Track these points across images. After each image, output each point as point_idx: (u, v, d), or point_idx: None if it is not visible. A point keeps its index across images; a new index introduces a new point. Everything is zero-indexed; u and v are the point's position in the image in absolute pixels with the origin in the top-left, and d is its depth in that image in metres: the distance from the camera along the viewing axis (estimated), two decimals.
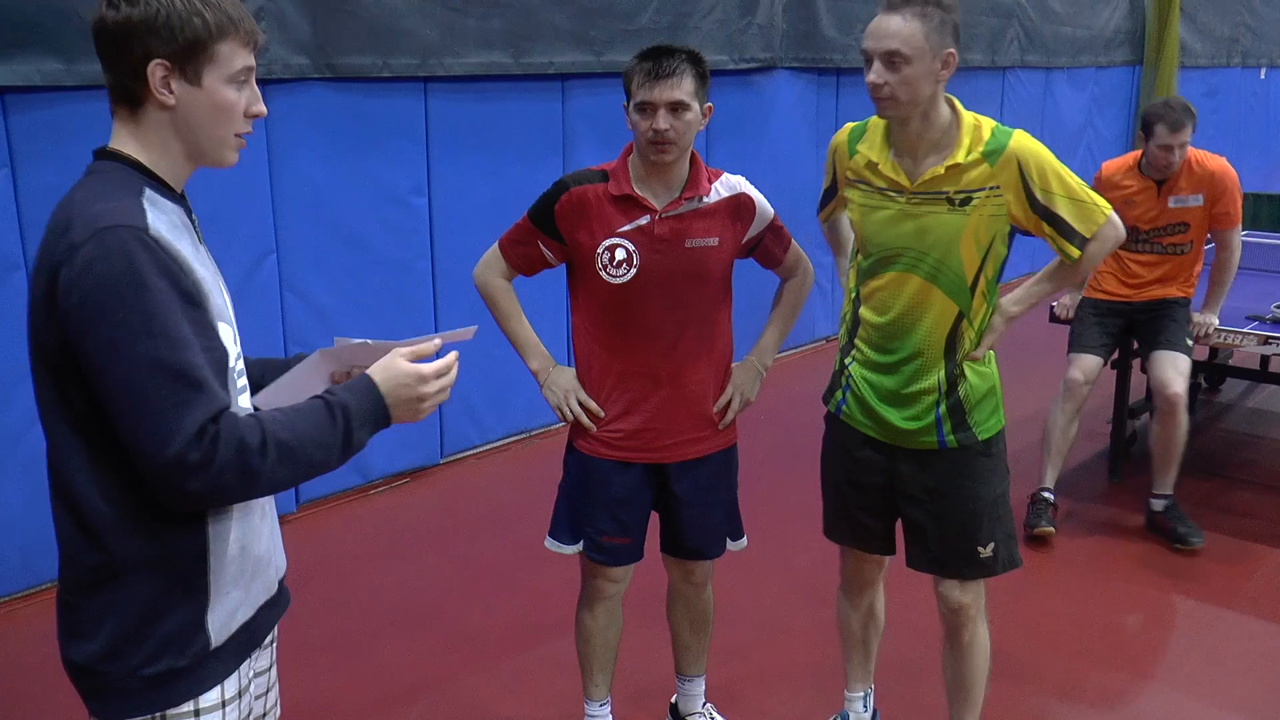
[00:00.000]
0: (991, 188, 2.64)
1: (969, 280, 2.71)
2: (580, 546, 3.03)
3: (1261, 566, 4.51)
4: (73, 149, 4.10)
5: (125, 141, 1.74)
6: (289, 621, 2.11)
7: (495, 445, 5.81)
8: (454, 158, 5.39)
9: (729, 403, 3.00)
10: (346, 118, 4.95)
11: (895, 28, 2.55)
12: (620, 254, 2.80)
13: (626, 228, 2.80)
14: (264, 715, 2.05)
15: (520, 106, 5.65)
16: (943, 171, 2.65)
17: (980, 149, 2.64)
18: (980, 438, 2.83)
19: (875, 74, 2.58)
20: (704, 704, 3.38)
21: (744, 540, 3.18)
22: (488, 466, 5.64)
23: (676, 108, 2.70)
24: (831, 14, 7.21)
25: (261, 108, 1.80)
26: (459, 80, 5.33)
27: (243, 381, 1.86)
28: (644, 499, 3.00)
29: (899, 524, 2.99)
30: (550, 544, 3.09)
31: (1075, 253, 2.72)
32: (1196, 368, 6.21)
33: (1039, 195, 2.65)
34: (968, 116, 2.70)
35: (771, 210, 2.98)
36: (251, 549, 1.84)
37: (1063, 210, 2.67)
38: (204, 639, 1.76)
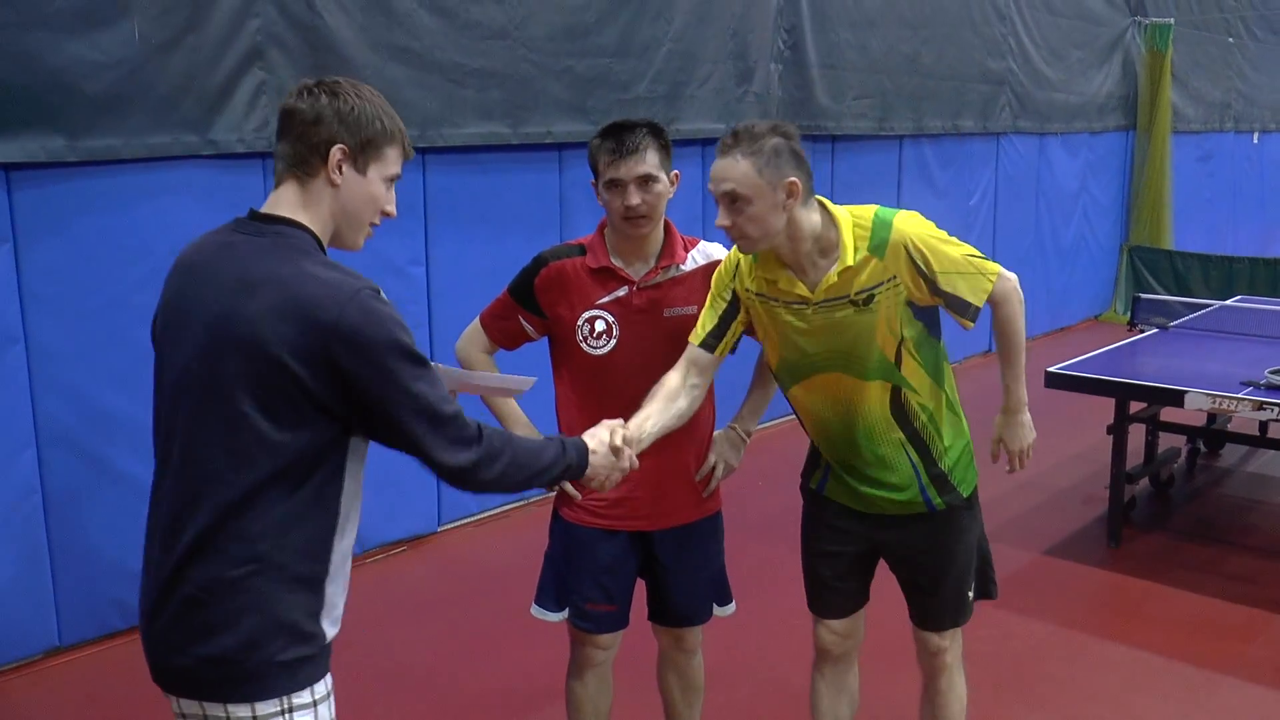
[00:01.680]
0: (889, 280, 2.65)
1: (891, 360, 2.72)
2: (565, 614, 3.04)
3: (1264, 633, 4.48)
4: (75, 225, 4.17)
5: (295, 210, 2.03)
6: None
7: (493, 513, 5.79)
8: (452, 228, 5.44)
9: (712, 470, 3.02)
10: None
11: (728, 170, 2.56)
12: (600, 325, 2.85)
13: (605, 299, 2.85)
14: None
15: (518, 177, 5.71)
16: (836, 279, 2.64)
17: (865, 246, 2.64)
18: (964, 495, 2.88)
19: (721, 218, 2.61)
20: None
21: (732, 605, 3.18)
22: (485, 534, 5.62)
23: (645, 181, 2.76)
24: (824, 81, 7.31)
25: (393, 210, 2.13)
26: (457, 151, 5.39)
27: None
28: (629, 567, 3.01)
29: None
30: (536, 611, 3.10)
31: (968, 324, 2.74)
32: (1193, 433, 6.24)
33: (933, 278, 2.66)
34: (843, 216, 2.68)
35: None
36: (348, 568, 2.12)
37: (953, 286, 2.68)
38: (321, 634, 2.05)
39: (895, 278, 2.65)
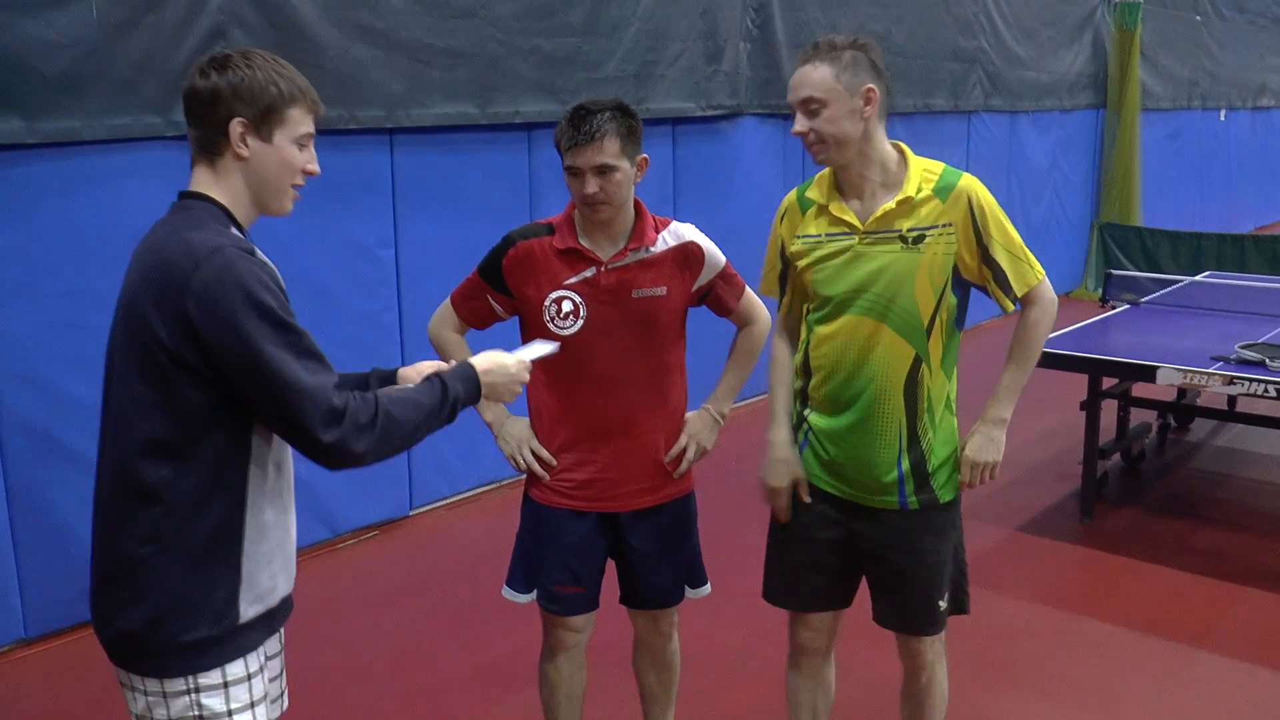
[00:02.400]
0: (944, 225, 2.65)
1: (924, 322, 2.69)
2: (534, 596, 3.03)
3: (1236, 606, 4.51)
4: (34, 208, 4.08)
5: (207, 186, 2.06)
6: None
7: (465, 496, 5.76)
8: (421, 209, 5.39)
9: (683, 451, 3.00)
10: None
11: (807, 76, 2.62)
12: (567, 306, 2.83)
13: (573, 280, 2.83)
14: (279, 696, 2.28)
15: (487, 157, 5.65)
16: (894, 206, 2.64)
17: (931, 186, 2.66)
18: (941, 500, 2.81)
19: (798, 123, 2.65)
20: None
21: (706, 588, 3.15)
22: (457, 517, 5.59)
23: (603, 170, 2.72)
24: (793, 60, 7.20)
25: (316, 167, 2.13)
26: (425, 131, 5.33)
27: None
28: (598, 549, 2.99)
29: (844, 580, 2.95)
30: (506, 593, 3.08)
31: (1009, 305, 2.74)
32: (1164, 408, 6.28)
33: (984, 237, 2.67)
34: (915, 160, 2.72)
35: (723, 258, 2.98)
36: (284, 543, 2.13)
37: (1001, 259, 2.69)
38: (235, 614, 2.03)
39: (950, 225, 2.65)
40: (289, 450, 2.12)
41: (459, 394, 2.19)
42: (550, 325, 2.84)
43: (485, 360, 2.28)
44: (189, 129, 2.06)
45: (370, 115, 5.05)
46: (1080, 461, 5.48)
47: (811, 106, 2.61)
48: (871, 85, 2.60)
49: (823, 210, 2.75)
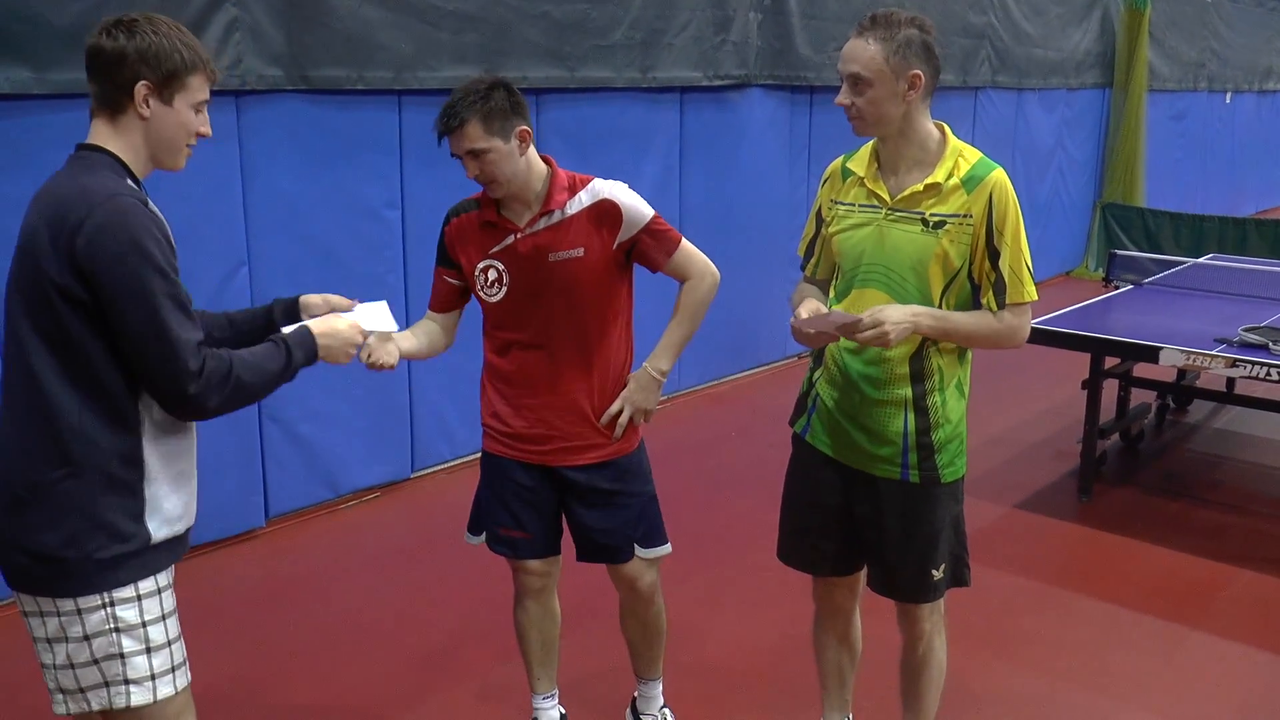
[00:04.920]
0: (964, 215, 2.66)
1: (935, 303, 2.71)
2: (483, 538, 3.20)
3: (1229, 586, 4.54)
4: (41, 158, 4.03)
5: (106, 140, 2.20)
6: (258, 632, 2.16)
7: (466, 459, 5.77)
8: (427, 171, 5.36)
9: (618, 414, 3.02)
10: (320, 130, 4.92)
11: (858, 52, 2.63)
12: (492, 274, 2.96)
13: (495, 249, 2.94)
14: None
15: None
16: (920, 189, 2.68)
17: (960, 176, 2.67)
18: (944, 480, 2.82)
19: (842, 95, 2.69)
20: (661, 706, 3.45)
21: (664, 548, 3.18)
22: (459, 480, 5.60)
23: (475, 154, 2.80)
24: (806, 32, 7.25)
25: (208, 130, 2.30)
26: (433, 93, 5.30)
27: None
28: (541, 499, 3.10)
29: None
30: (467, 537, 3.27)
31: (994, 306, 2.71)
32: (1164, 389, 6.29)
33: (995, 238, 2.67)
34: (954, 143, 2.73)
35: (649, 213, 2.96)
36: (188, 476, 2.31)
37: (1002, 264, 2.69)
38: (145, 534, 2.20)
39: (970, 216, 2.66)
40: None
41: (298, 359, 2.37)
42: (481, 293, 2.99)
43: (321, 324, 2.47)
44: (90, 84, 2.19)
45: (378, 76, 5.02)
46: (1079, 440, 5.49)
47: (857, 83, 2.63)
48: (918, 71, 2.61)
49: (860, 181, 2.79)
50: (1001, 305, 2.71)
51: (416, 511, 5.28)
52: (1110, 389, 5.79)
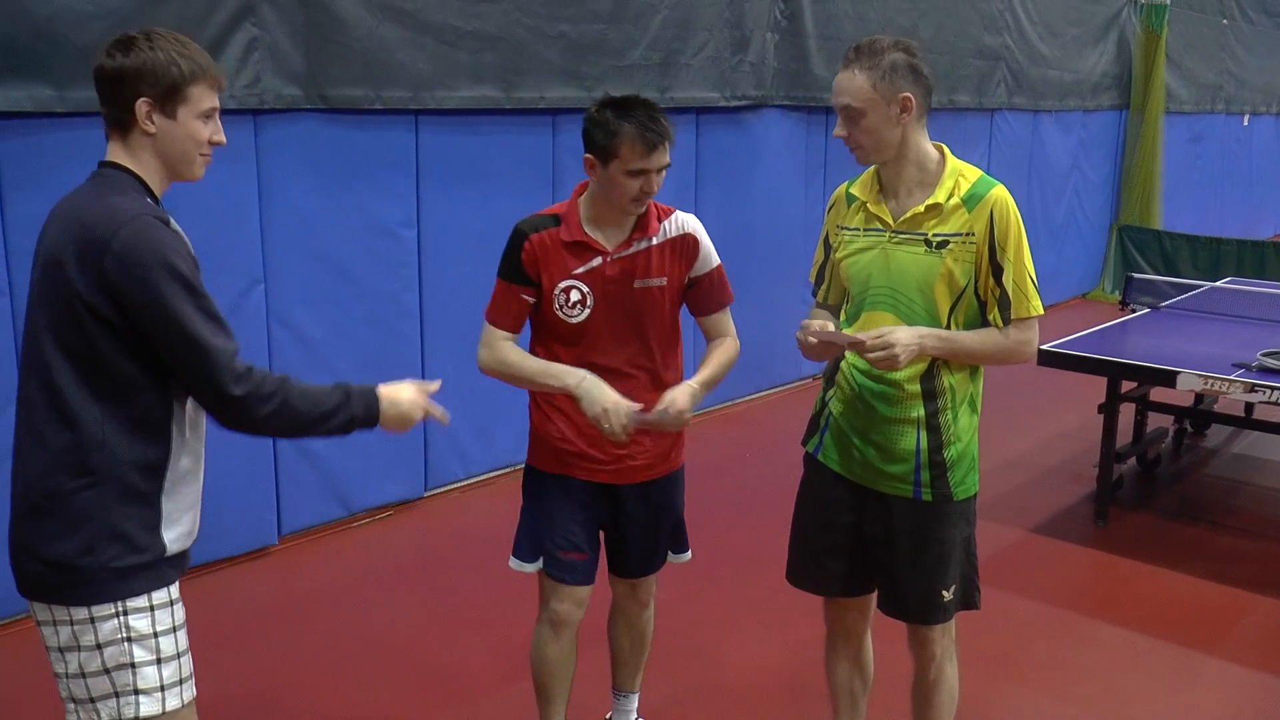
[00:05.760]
0: (967, 234, 2.70)
1: (942, 323, 2.73)
2: (540, 564, 3.09)
3: (1247, 614, 4.50)
4: (62, 175, 4.05)
5: (122, 158, 2.22)
6: (270, 649, 2.16)
7: (479, 479, 5.77)
8: (444, 190, 5.38)
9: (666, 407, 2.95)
10: (337, 149, 4.95)
11: (845, 84, 2.68)
12: (575, 295, 2.92)
13: (580, 270, 2.91)
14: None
15: (510, 140, 5.65)
16: (922, 210, 2.71)
17: (960, 195, 2.71)
18: (956, 498, 2.83)
19: (838, 128, 2.74)
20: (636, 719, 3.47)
21: (688, 553, 3.28)
22: (471, 500, 5.60)
23: (663, 170, 2.84)
24: (822, 53, 7.26)
25: (222, 138, 2.28)
26: (450, 113, 5.33)
27: None
28: (597, 517, 3.10)
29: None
30: (513, 563, 3.16)
31: (1000, 322, 2.73)
32: (1181, 413, 6.26)
33: (998, 255, 2.69)
34: (953, 163, 2.76)
35: (717, 260, 3.07)
36: (196, 496, 2.32)
37: (1006, 280, 2.70)
38: (161, 545, 2.22)
39: (972, 234, 2.69)
40: (203, 416, 2.30)
41: (357, 410, 2.35)
42: (559, 313, 2.94)
43: (388, 390, 2.43)
44: (101, 106, 2.22)
45: (396, 96, 5.04)
46: (1096, 464, 5.46)
47: (850, 114, 2.67)
48: (908, 93, 2.64)
49: (863, 206, 2.82)
50: (1007, 321, 2.73)
51: (429, 530, 5.27)
52: (1127, 412, 5.76)
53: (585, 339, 2.94)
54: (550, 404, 3.04)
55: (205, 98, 2.23)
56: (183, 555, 2.32)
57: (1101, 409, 5.35)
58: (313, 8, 4.68)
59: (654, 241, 2.94)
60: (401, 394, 2.43)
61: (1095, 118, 10.94)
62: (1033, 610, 4.48)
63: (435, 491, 5.63)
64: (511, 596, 4.46)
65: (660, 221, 2.96)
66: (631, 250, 2.92)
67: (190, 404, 2.25)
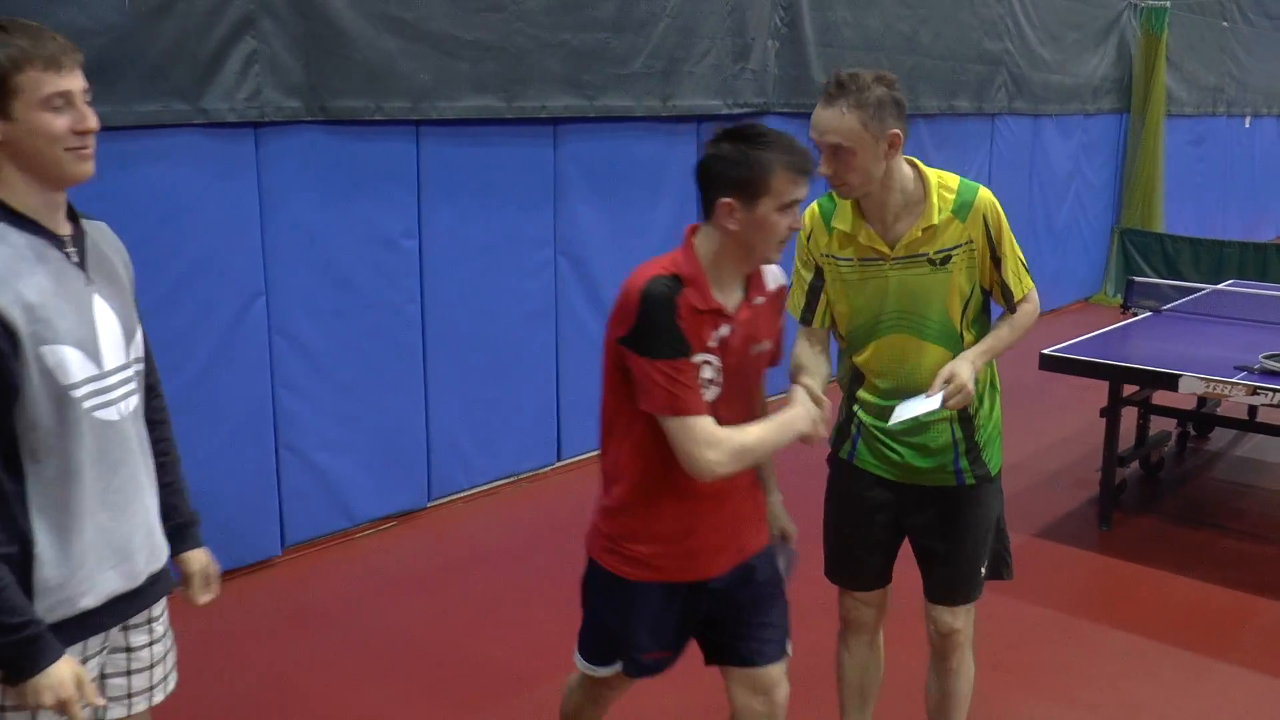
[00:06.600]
0: (966, 243, 2.78)
1: (957, 329, 2.83)
2: (618, 668, 2.71)
3: (1255, 617, 4.49)
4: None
5: None
6: (274, 660, 2.13)
7: (483, 489, 5.76)
8: (445, 201, 5.39)
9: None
10: (338, 160, 4.95)
11: (834, 122, 2.62)
12: (707, 373, 2.41)
13: (713, 342, 2.42)
14: (147, 689, 2.28)
15: (512, 151, 5.66)
16: (920, 234, 2.76)
17: (949, 207, 2.76)
18: (992, 474, 2.96)
19: (824, 165, 2.67)
20: None
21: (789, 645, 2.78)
22: (475, 510, 5.60)
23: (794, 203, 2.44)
24: (821, 60, 7.26)
25: (90, 124, 1.96)
26: (451, 124, 5.34)
27: (111, 395, 2.07)
28: (689, 616, 2.65)
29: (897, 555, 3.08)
30: (582, 664, 2.75)
31: (1006, 307, 2.91)
32: (1184, 416, 6.25)
33: (997, 251, 2.81)
34: (931, 175, 2.79)
35: None
36: (85, 554, 2.04)
37: (1009, 279, 2.86)
38: (18, 624, 1.92)
39: (972, 242, 2.78)
40: (85, 458, 2.03)
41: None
42: None
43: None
44: None
45: (397, 106, 5.05)
46: (1099, 468, 5.46)
47: (838, 153, 2.64)
48: (896, 130, 2.65)
49: (850, 238, 2.81)
50: (1011, 304, 2.87)
51: (432, 541, 5.27)
52: (1130, 416, 5.75)
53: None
54: (647, 503, 2.52)
55: (44, 82, 1.89)
56: (72, 623, 2.07)
57: (1104, 413, 5.35)
58: (313, 20, 4.69)
59: (760, 300, 2.52)
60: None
61: (1096, 121, 10.94)
62: (1037, 615, 4.47)
63: (438, 501, 5.63)
64: (517, 606, 4.46)
65: (761, 274, 2.54)
66: (747, 313, 2.48)
67: (53, 457, 1.99)
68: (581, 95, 5.79)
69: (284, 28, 4.61)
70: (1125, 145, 11.39)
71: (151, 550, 2.22)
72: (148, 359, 2.27)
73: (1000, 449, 3.00)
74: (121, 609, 2.16)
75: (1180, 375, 4.82)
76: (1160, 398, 5.87)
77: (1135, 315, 6.62)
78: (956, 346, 2.82)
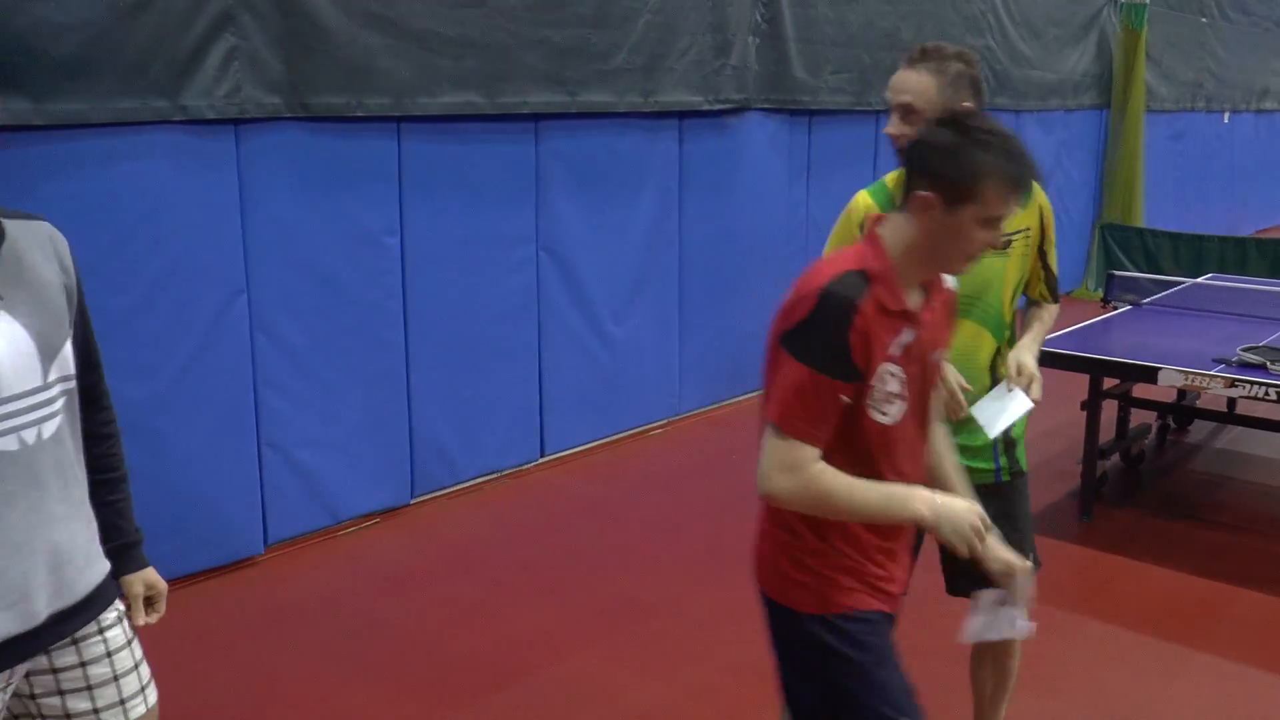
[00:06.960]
0: (1024, 230, 2.85)
1: (1007, 316, 2.90)
2: None
3: (1231, 607, 4.52)
4: (41, 190, 4.08)
5: None
6: (257, 658, 2.11)
7: (466, 485, 5.76)
8: (427, 197, 5.39)
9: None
10: (319, 157, 4.94)
11: (911, 83, 2.69)
12: (894, 385, 2.13)
13: (894, 349, 2.13)
14: (118, 703, 2.09)
15: (493, 147, 5.65)
16: None
17: None
18: (1024, 469, 3.05)
19: (892, 125, 2.73)
20: None
21: None
22: (458, 507, 5.59)
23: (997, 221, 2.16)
24: (802, 56, 7.27)
25: None
26: (432, 120, 5.33)
27: (12, 423, 1.87)
28: None
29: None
30: None
31: (1046, 297, 3.01)
32: (1164, 409, 6.29)
33: (1046, 242, 2.92)
34: None
35: None
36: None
37: (1052, 261, 2.96)
38: None
39: (1029, 230, 2.86)
40: None
41: None
42: (873, 412, 2.14)
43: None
44: None
45: (378, 103, 5.05)
46: (1079, 461, 5.49)
47: (909, 113, 2.68)
48: (969, 104, 2.67)
49: None
50: (1056, 296, 2.98)
51: (416, 537, 5.27)
52: (1110, 409, 5.78)
53: (891, 446, 2.16)
54: (844, 536, 2.23)
55: None
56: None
57: (1084, 406, 5.38)
58: (293, 16, 4.68)
59: (938, 302, 2.26)
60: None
61: (1077, 117, 10.99)
62: None
63: (422, 498, 5.62)
64: (500, 601, 4.47)
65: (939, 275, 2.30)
66: (931, 315, 2.21)
67: None
68: (563, 91, 5.79)
69: (264, 24, 4.60)
70: (1106, 141, 11.45)
71: (58, 587, 1.97)
72: (91, 370, 2.12)
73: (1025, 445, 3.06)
74: (17, 651, 1.93)
75: (1160, 368, 4.86)
76: (1140, 391, 5.91)
77: (1116, 309, 6.66)
78: (1002, 335, 2.88)
